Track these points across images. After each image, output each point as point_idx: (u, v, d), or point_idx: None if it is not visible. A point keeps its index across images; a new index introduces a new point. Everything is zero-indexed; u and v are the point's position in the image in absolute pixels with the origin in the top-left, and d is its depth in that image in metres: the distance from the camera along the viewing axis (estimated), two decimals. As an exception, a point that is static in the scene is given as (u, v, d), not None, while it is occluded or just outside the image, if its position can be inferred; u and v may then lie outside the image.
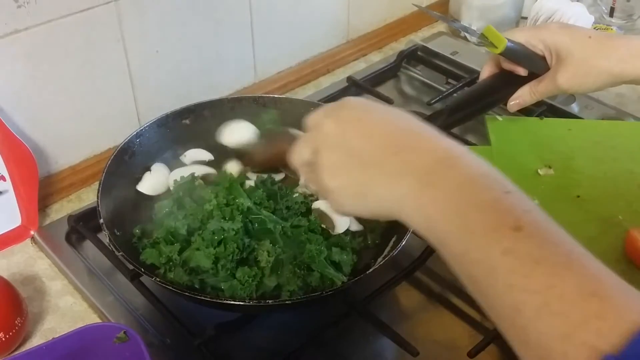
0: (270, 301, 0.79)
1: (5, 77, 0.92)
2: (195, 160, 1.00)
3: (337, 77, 1.32)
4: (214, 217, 0.84)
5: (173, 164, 0.99)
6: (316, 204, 0.93)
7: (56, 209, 1.02)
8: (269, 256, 0.81)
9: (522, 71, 0.95)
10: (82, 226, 0.93)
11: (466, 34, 1.41)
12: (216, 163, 1.00)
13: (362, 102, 0.63)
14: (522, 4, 1.44)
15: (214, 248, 0.80)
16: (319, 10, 1.31)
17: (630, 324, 0.41)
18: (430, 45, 1.35)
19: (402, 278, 0.88)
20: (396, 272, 0.87)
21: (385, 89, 1.28)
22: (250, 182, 0.95)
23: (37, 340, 0.83)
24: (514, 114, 1.02)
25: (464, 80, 1.22)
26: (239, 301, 0.77)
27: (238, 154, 0.98)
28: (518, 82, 0.96)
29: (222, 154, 1.01)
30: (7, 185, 0.94)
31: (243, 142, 0.97)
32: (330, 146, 0.60)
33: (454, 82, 1.25)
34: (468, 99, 1.01)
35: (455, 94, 1.19)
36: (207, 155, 1.01)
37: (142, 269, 0.79)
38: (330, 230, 0.89)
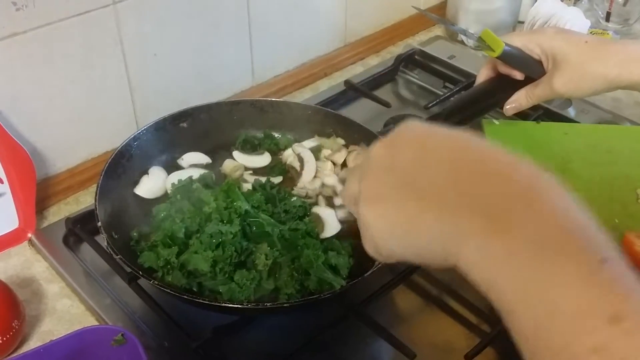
0: (268, 304, 0.79)
1: (3, 80, 0.92)
2: (192, 163, 1.00)
3: (334, 81, 1.33)
4: (212, 220, 0.84)
5: (171, 167, 0.99)
6: (315, 209, 0.93)
7: (54, 211, 1.02)
8: (266, 259, 0.81)
9: (518, 75, 0.96)
10: (80, 229, 0.93)
11: (463, 38, 1.41)
12: (213, 166, 1.01)
13: (422, 124, 0.52)
14: (518, 9, 1.45)
15: (212, 251, 0.80)
16: (317, 14, 1.31)
17: None
18: (428, 49, 1.36)
19: (400, 281, 0.88)
20: (393, 275, 0.87)
21: (383, 92, 1.28)
22: (247, 186, 0.95)
23: (34, 342, 0.83)
24: (510, 118, 1.03)
25: (461, 84, 1.23)
26: (236, 304, 0.77)
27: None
28: (514, 86, 0.97)
29: (219, 157, 1.02)
30: (5, 187, 0.94)
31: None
32: (378, 170, 0.50)
33: (451, 86, 1.25)
34: (465, 102, 1.02)
35: (452, 98, 1.19)
36: (204, 159, 1.02)
37: (140, 272, 0.79)
38: (319, 233, 0.89)
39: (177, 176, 0.96)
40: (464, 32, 1.05)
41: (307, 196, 0.96)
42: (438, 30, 1.50)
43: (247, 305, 0.78)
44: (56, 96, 0.99)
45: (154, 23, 1.05)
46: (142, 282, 0.83)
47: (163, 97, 1.11)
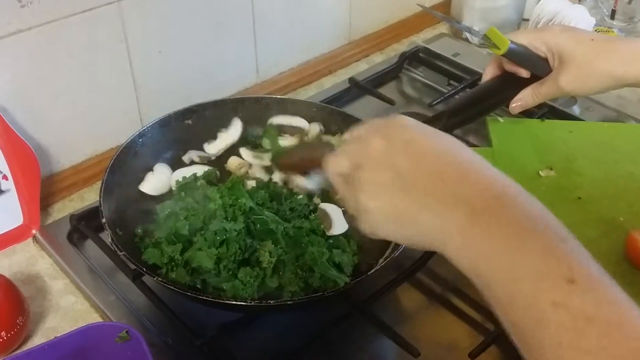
0: (271, 301, 0.79)
1: (9, 77, 0.92)
2: (197, 160, 1.00)
3: (338, 78, 1.32)
4: (216, 217, 0.84)
5: (175, 164, 0.99)
6: (323, 206, 0.93)
7: (58, 208, 1.02)
8: (270, 257, 0.81)
9: (524, 73, 0.96)
10: (84, 225, 0.93)
11: (468, 36, 1.41)
12: (218, 163, 1.01)
13: (414, 122, 0.59)
14: (523, 6, 1.44)
15: (216, 248, 0.80)
16: (321, 11, 1.31)
17: None
18: (432, 47, 1.36)
19: (404, 279, 0.88)
20: (397, 273, 0.87)
21: (387, 90, 1.28)
22: (252, 183, 0.95)
23: (38, 339, 0.83)
24: (515, 116, 1.03)
25: (466, 82, 1.22)
26: (240, 301, 0.77)
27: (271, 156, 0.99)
28: (520, 84, 0.97)
29: (223, 153, 1.01)
30: (10, 184, 0.94)
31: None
32: (376, 163, 0.56)
33: (455, 84, 1.25)
34: (470, 100, 1.01)
35: (456, 96, 1.19)
36: (208, 155, 1.01)
37: (144, 269, 0.79)
38: (325, 231, 0.89)
39: (181, 173, 0.96)
40: (469, 30, 1.04)
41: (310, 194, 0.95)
42: (443, 28, 1.50)
43: (250, 302, 0.78)
44: (61, 93, 0.99)
45: (159, 20, 1.05)
46: (147, 279, 0.83)
47: (167, 94, 1.11)
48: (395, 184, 0.55)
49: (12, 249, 0.95)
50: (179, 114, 1.00)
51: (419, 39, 1.45)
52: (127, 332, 0.69)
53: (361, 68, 1.36)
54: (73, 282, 0.90)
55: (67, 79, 0.98)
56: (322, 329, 0.81)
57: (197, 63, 1.14)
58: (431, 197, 0.53)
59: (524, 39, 0.94)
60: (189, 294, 0.77)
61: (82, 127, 1.04)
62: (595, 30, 1.36)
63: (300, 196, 0.92)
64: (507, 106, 0.99)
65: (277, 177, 0.97)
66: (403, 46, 1.41)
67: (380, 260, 0.84)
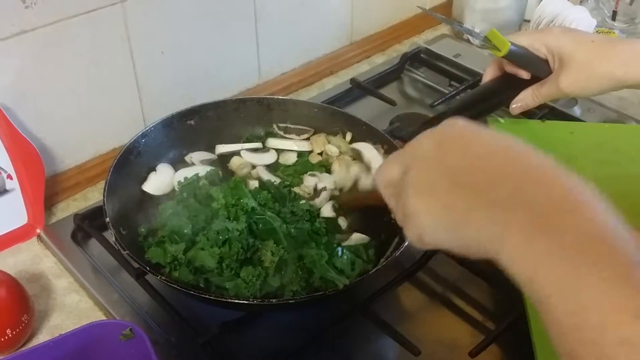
0: (273, 300, 0.80)
1: (13, 77, 0.93)
2: (199, 160, 1.01)
3: (340, 79, 1.33)
4: (219, 217, 0.84)
5: (178, 164, 1.00)
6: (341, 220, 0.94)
7: (62, 207, 1.03)
8: (273, 256, 0.82)
9: (525, 74, 0.96)
10: (88, 225, 0.94)
11: (469, 37, 1.42)
12: (220, 163, 1.01)
13: (468, 123, 0.54)
14: (524, 8, 1.45)
15: (219, 248, 0.81)
16: (323, 12, 1.31)
17: None
18: (433, 48, 1.36)
19: (404, 278, 0.89)
20: (398, 272, 0.88)
21: (388, 90, 1.29)
22: (254, 183, 0.96)
23: (43, 337, 0.84)
24: (516, 117, 1.03)
25: (467, 83, 1.23)
26: (242, 300, 0.78)
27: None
28: (521, 85, 0.97)
29: (226, 154, 1.02)
30: (14, 184, 0.95)
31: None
32: (425, 163, 0.52)
33: (456, 85, 1.26)
34: (471, 101, 1.02)
35: (458, 96, 1.20)
36: (211, 156, 1.02)
37: (148, 268, 0.80)
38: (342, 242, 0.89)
39: (184, 173, 0.97)
40: (470, 32, 1.05)
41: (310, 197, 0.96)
42: (444, 29, 1.50)
43: (253, 301, 0.79)
44: (65, 93, 0.99)
45: (162, 21, 1.06)
46: (150, 277, 0.83)
47: (170, 94, 1.12)
48: (446, 181, 0.50)
49: (16, 247, 0.96)
50: (182, 114, 1.01)
51: (420, 40, 1.46)
52: (130, 329, 0.69)
53: (363, 69, 1.37)
54: (77, 280, 0.91)
55: (71, 79, 0.99)
56: (323, 328, 0.81)
57: (199, 64, 1.15)
58: (487, 196, 0.48)
59: (525, 40, 0.95)
60: (192, 292, 0.77)
61: (85, 127, 1.04)
62: (597, 32, 1.36)
63: (303, 201, 0.92)
64: (508, 107, 1.00)
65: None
66: (404, 47, 1.42)
67: (382, 260, 0.84)
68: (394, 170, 0.55)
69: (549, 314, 0.44)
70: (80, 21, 0.96)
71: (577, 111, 1.19)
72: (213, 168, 0.99)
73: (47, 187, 0.98)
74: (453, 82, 1.29)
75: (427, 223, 0.52)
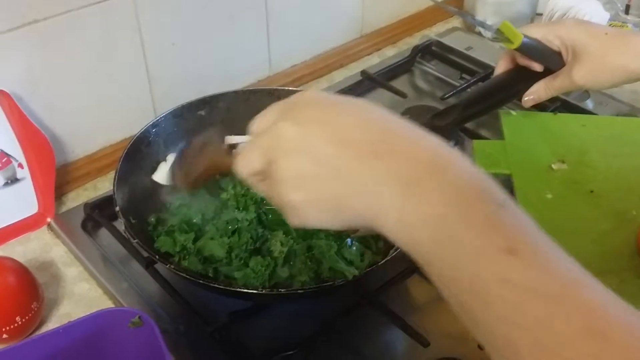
0: (282, 290, 0.80)
1: (24, 66, 0.93)
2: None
3: (350, 72, 1.32)
4: (228, 207, 0.84)
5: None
6: None
7: (72, 197, 1.03)
8: (282, 246, 0.82)
9: (537, 67, 0.96)
10: (98, 214, 0.94)
11: (481, 30, 1.41)
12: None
13: (321, 97, 0.54)
14: (537, 1, 1.44)
15: (228, 237, 0.81)
16: (334, 5, 1.31)
17: None
18: (445, 40, 1.36)
19: (414, 270, 0.88)
20: (407, 264, 0.87)
21: (399, 83, 1.28)
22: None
23: (52, 325, 0.84)
24: (527, 109, 1.03)
25: (478, 76, 1.22)
26: (251, 289, 0.78)
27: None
28: (533, 77, 0.97)
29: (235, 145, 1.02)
30: (25, 172, 0.95)
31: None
32: (291, 154, 0.51)
33: (468, 77, 1.25)
34: (483, 93, 1.01)
35: (469, 89, 1.19)
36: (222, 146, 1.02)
37: (157, 257, 0.80)
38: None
39: None
40: (482, 25, 1.04)
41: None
42: (456, 22, 1.49)
43: (262, 291, 0.79)
44: (75, 83, 1.00)
45: (172, 12, 1.06)
46: (159, 267, 0.84)
47: (181, 85, 1.12)
48: (318, 171, 0.50)
49: (27, 236, 0.96)
50: (192, 105, 1.01)
51: (431, 32, 1.45)
52: (139, 317, 0.69)
53: (373, 62, 1.36)
54: (87, 269, 0.91)
55: (82, 69, 0.99)
56: (332, 319, 0.81)
57: (210, 55, 1.15)
58: (360, 178, 0.48)
59: (537, 32, 0.94)
60: (201, 281, 0.77)
61: (96, 117, 1.05)
62: (610, 25, 1.35)
63: None
64: (520, 100, 1.00)
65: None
66: (416, 40, 1.41)
67: (391, 251, 0.84)
68: (255, 161, 0.54)
69: (433, 274, 0.46)
70: (92, 11, 0.96)
71: (589, 104, 1.18)
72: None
73: (57, 176, 0.99)
74: (464, 75, 1.28)
75: (307, 212, 0.52)
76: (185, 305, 0.81)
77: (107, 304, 0.87)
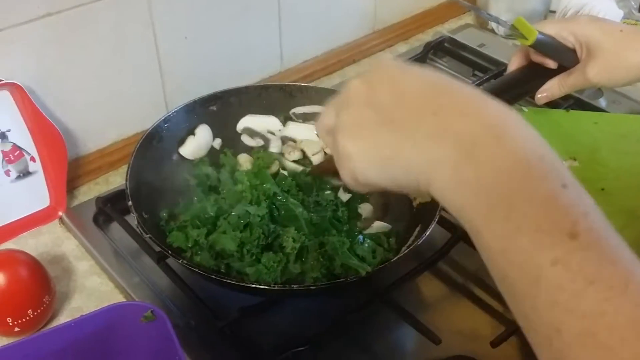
0: (294, 286, 0.79)
1: (37, 60, 0.93)
2: (219, 145, 1.01)
3: (362, 68, 1.32)
4: (242, 200, 0.85)
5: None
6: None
7: (84, 191, 1.04)
8: (294, 242, 0.81)
9: (551, 64, 0.95)
10: (110, 208, 0.94)
11: (494, 26, 1.40)
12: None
13: (398, 62, 0.55)
14: (550, -2, 1.43)
15: (240, 232, 0.81)
16: (346, 0, 1.30)
17: None
18: (457, 37, 1.35)
19: (425, 268, 0.88)
20: (419, 262, 0.87)
21: (411, 80, 1.27)
22: (284, 173, 0.95)
23: (64, 318, 0.84)
24: (539, 106, 1.02)
25: (491, 73, 1.22)
26: (263, 285, 0.78)
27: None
28: (547, 74, 0.96)
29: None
30: (37, 166, 0.95)
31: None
32: (355, 104, 0.52)
33: (480, 74, 1.24)
34: (496, 90, 1.00)
35: (481, 86, 1.18)
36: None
37: (169, 251, 0.80)
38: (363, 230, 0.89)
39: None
40: (497, 20, 1.04)
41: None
42: (468, 18, 1.49)
43: (273, 286, 0.78)
44: (88, 77, 1.00)
45: (185, 7, 1.06)
46: (171, 261, 0.84)
47: (192, 80, 1.11)
48: (377, 120, 0.50)
49: (38, 230, 0.97)
50: (204, 100, 1.01)
51: (444, 29, 1.45)
52: (152, 312, 0.70)
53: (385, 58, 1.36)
54: (98, 263, 0.91)
55: (95, 63, 0.99)
56: (343, 315, 0.81)
57: (222, 50, 1.15)
58: (416, 131, 0.48)
59: (552, 29, 0.93)
60: (213, 277, 0.77)
61: (108, 111, 1.05)
62: (623, 23, 1.34)
63: (328, 192, 0.92)
64: (533, 97, 0.99)
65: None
66: (428, 36, 1.41)
67: (403, 249, 0.84)
68: (329, 117, 0.55)
69: (481, 244, 0.45)
70: (105, 5, 0.96)
71: (602, 103, 1.17)
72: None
73: (69, 170, 0.99)
74: (477, 72, 1.27)
75: (358, 163, 0.52)
76: (196, 300, 0.81)
77: (118, 298, 0.87)
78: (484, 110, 0.48)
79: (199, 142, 0.98)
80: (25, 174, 0.95)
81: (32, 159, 0.95)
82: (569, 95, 1.06)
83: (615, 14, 1.28)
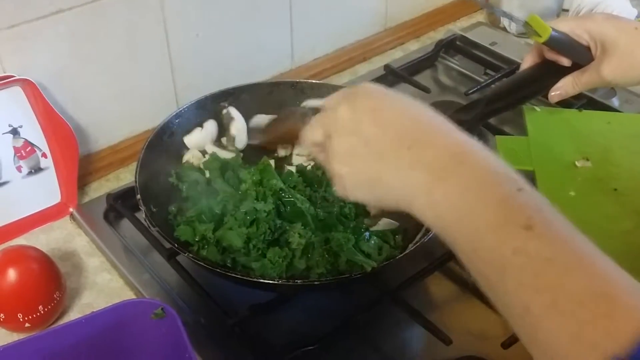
0: (299, 281, 0.79)
1: (49, 56, 0.94)
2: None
3: (373, 65, 1.32)
4: (247, 197, 0.84)
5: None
6: None
7: (95, 187, 1.04)
8: (300, 238, 0.81)
9: (565, 61, 0.94)
10: (121, 205, 0.94)
11: (506, 25, 1.39)
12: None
13: (379, 90, 0.63)
14: (563, -4, 1.42)
15: (246, 228, 0.81)
16: (358, -2, 1.30)
17: (639, 325, 0.41)
18: (469, 35, 1.34)
19: (435, 268, 0.87)
20: (429, 262, 0.87)
21: (423, 78, 1.27)
22: (291, 169, 0.95)
23: (74, 314, 0.85)
24: (552, 105, 1.01)
25: (503, 71, 1.21)
26: (268, 280, 0.78)
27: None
28: (561, 72, 0.95)
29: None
30: (49, 162, 0.96)
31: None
32: (344, 132, 0.60)
33: (492, 73, 1.24)
34: (509, 87, 1.00)
35: (493, 85, 1.18)
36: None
37: (176, 245, 0.80)
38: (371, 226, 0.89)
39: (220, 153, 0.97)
40: (510, 17, 1.03)
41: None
42: (480, 17, 1.48)
43: (278, 281, 0.78)
44: (100, 74, 1.00)
45: (197, 4, 1.06)
46: (181, 258, 0.84)
47: (204, 77, 1.12)
48: (363, 150, 0.59)
49: (49, 226, 0.97)
50: (215, 96, 1.01)
51: (455, 27, 1.44)
52: (162, 309, 0.70)
53: (396, 56, 1.35)
54: (108, 260, 0.91)
55: (106, 59, 0.99)
56: (353, 314, 0.81)
57: (233, 47, 1.15)
58: (397, 161, 0.57)
59: (566, 26, 0.92)
60: (218, 270, 0.77)
61: (120, 107, 1.05)
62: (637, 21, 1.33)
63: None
64: (545, 96, 0.98)
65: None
66: (439, 34, 1.40)
67: (410, 246, 0.84)
68: (317, 134, 0.64)
69: (458, 250, 0.52)
70: (117, 2, 0.96)
71: (615, 102, 1.16)
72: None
73: (80, 166, 0.99)
74: (488, 71, 1.26)
75: (348, 183, 0.61)
76: (207, 298, 0.81)
77: (128, 294, 0.87)
78: (449, 139, 0.56)
79: (205, 134, 0.98)
80: (36, 170, 0.95)
81: (44, 155, 0.95)
82: (582, 95, 1.05)
83: (629, 12, 1.27)
